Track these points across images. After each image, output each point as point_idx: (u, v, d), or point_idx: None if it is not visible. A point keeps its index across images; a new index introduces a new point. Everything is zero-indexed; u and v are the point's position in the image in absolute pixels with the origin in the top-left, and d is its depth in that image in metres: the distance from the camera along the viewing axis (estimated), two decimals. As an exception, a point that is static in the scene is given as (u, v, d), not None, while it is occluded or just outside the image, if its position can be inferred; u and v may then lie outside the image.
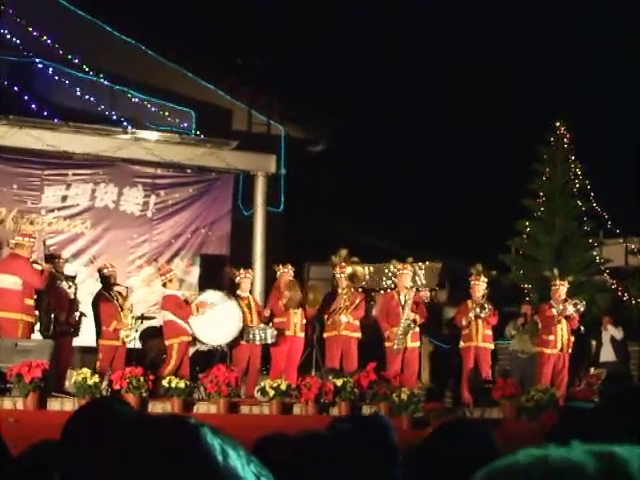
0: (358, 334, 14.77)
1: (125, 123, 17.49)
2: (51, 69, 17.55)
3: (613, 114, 20.56)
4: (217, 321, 13.90)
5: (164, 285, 14.28)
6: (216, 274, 17.18)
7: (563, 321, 14.94)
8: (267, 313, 14.65)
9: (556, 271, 15.72)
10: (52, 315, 13.47)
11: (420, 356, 15.39)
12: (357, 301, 14.77)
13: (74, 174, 17.01)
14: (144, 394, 12.52)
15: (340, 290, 14.84)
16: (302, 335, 14.66)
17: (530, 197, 19.31)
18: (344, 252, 15.14)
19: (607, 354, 16.81)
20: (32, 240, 13.57)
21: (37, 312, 13.36)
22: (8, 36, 17.26)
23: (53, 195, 16.87)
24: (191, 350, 14.38)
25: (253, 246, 17.59)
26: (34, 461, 2.56)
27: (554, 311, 14.88)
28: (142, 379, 12.47)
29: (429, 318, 15.23)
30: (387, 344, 14.71)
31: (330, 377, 13.58)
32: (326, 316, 14.80)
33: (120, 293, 14.27)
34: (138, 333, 14.66)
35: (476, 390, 14.68)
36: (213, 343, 14.26)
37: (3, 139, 16.07)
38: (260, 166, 17.86)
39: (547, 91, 21.16)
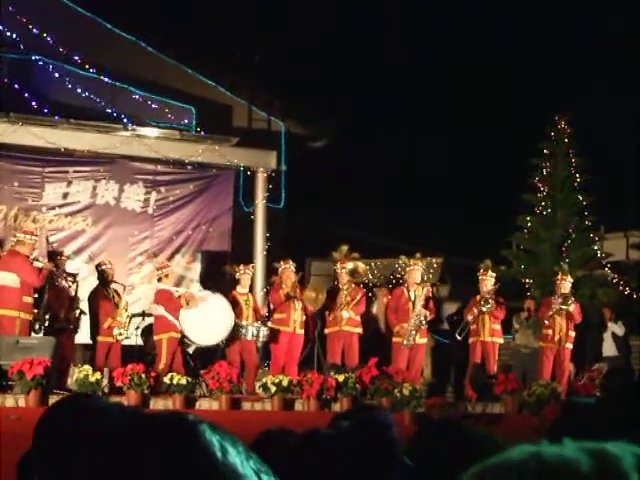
0: (359, 330, 14.77)
1: (125, 120, 17.48)
2: (51, 66, 17.53)
3: (613, 112, 20.54)
4: (208, 321, 13.88)
5: (159, 280, 14.29)
6: (217, 270, 17.20)
7: (562, 315, 14.96)
8: (264, 311, 14.67)
9: (565, 266, 15.75)
10: (51, 313, 13.45)
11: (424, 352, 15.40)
12: (358, 297, 14.78)
13: (75, 171, 17.02)
14: (145, 391, 12.54)
15: (341, 286, 14.85)
16: (302, 332, 14.66)
17: (531, 192, 19.29)
18: (345, 248, 15.15)
19: (609, 349, 16.81)
20: (34, 238, 13.57)
21: (36, 310, 13.36)
22: (8, 33, 17.25)
23: (54, 192, 16.88)
24: (192, 346, 14.39)
25: (254, 242, 17.60)
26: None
27: (561, 305, 14.94)
28: (143, 376, 12.48)
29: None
30: (395, 339, 14.69)
31: (332, 373, 13.58)
32: (327, 312, 14.81)
33: (116, 291, 14.29)
34: (139, 330, 14.68)
35: (479, 385, 14.68)
36: (202, 343, 14.18)
37: (4, 137, 16.07)
38: (261, 162, 17.87)
39: (547, 90, 21.14)
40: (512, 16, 22.18)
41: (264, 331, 14.30)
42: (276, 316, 14.59)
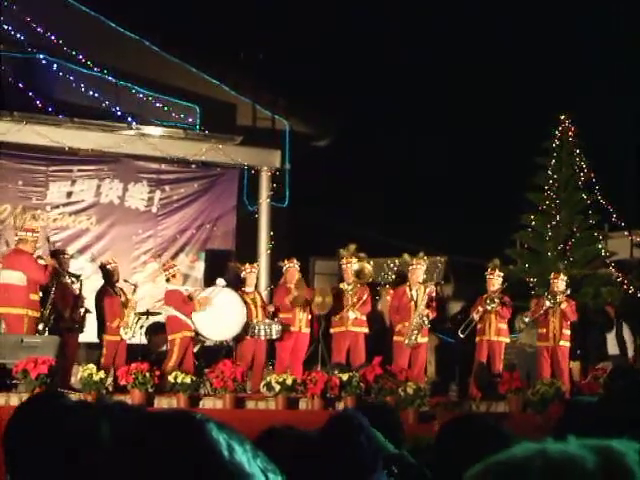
0: (366, 329, 14.77)
1: (129, 119, 17.48)
2: (55, 65, 17.53)
3: (613, 112, 20.53)
4: (220, 317, 13.90)
5: (167, 280, 14.31)
6: (221, 269, 17.19)
7: (556, 313, 14.97)
8: (272, 309, 14.67)
9: (560, 265, 15.71)
10: (55, 312, 13.45)
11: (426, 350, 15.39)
12: (364, 297, 14.77)
13: (79, 170, 17.03)
14: (150, 390, 12.54)
15: (346, 285, 14.83)
16: (307, 331, 14.66)
17: (535, 191, 19.26)
18: (352, 247, 15.14)
19: (612, 347, 16.78)
20: (35, 235, 13.60)
21: (41, 308, 13.38)
22: (12, 32, 17.26)
23: (58, 191, 16.89)
24: (197, 346, 14.40)
25: (258, 241, 17.60)
26: None
27: (547, 303, 14.98)
28: (148, 375, 12.48)
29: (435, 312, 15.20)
30: (396, 338, 14.69)
31: (336, 372, 13.57)
32: (333, 312, 14.80)
33: (122, 289, 14.30)
34: (144, 329, 14.68)
35: (483, 384, 14.67)
36: (216, 339, 14.25)
37: (8, 135, 16.08)
38: (265, 161, 17.87)
39: (547, 90, 21.13)
40: (512, 16, 22.18)
41: (276, 327, 14.28)
42: (282, 316, 14.59)
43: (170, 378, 12.72)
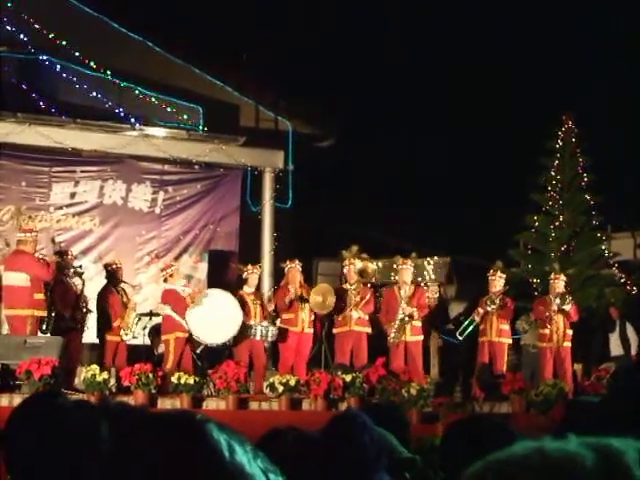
0: (368, 329, 14.75)
1: (133, 120, 17.48)
2: (59, 66, 17.54)
3: (613, 112, 20.53)
4: (214, 319, 13.87)
5: (165, 280, 14.32)
6: (224, 270, 17.20)
7: (559, 314, 14.94)
8: (271, 308, 14.67)
9: (556, 266, 15.71)
10: (56, 312, 13.45)
11: (429, 351, 15.37)
12: (367, 296, 14.77)
13: (82, 171, 17.05)
14: (153, 390, 12.55)
15: (349, 285, 14.83)
16: (310, 331, 14.66)
17: (538, 191, 19.26)
18: (355, 248, 15.14)
19: (616, 348, 16.76)
20: (34, 234, 13.64)
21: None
22: (15, 34, 17.27)
23: (61, 192, 16.91)
24: (200, 347, 14.39)
25: (261, 242, 17.59)
26: None
27: (556, 303, 14.94)
28: (151, 375, 12.49)
29: (438, 313, 15.19)
30: (389, 338, 14.73)
31: (339, 372, 13.57)
32: (335, 312, 14.79)
33: (124, 290, 14.31)
34: (147, 330, 14.69)
35: (486, 385, 14.66)
36: (209, 341, 14.16)
37: (11, 136, 16.09)
38: (268, 162, 17.86)
39: (547, 90, 21.14)
40: (512, 16, 22.19)
41: (272, 330, 14.30)
42: (284, 316, 14.58)
43: (173, 379, 12.72)
